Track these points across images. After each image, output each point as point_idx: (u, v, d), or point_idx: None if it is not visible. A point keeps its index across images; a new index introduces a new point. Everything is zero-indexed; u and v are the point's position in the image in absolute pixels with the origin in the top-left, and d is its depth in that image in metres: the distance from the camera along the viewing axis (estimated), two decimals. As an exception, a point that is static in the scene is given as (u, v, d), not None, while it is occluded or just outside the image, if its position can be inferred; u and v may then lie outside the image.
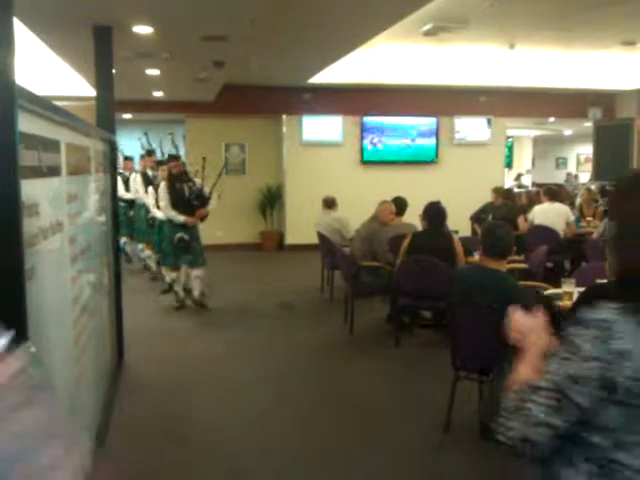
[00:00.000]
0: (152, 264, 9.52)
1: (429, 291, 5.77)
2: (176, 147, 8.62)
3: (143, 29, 6.31)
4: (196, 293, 7.59)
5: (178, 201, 7.34)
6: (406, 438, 4.17)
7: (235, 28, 6.37)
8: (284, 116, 12.54)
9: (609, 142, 12.83)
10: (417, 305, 6.35)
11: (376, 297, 7.35)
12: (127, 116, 13.36)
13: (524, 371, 1.44)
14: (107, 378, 4.67)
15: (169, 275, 7.77)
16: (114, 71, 5.91)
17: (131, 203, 9.79)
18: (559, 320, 1.52)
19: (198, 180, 7.61)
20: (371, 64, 10.62)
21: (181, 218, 7.32)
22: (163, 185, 7.53)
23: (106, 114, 5.72)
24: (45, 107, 2.54)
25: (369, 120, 12.58)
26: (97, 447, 3.71)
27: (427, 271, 5.85)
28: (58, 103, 3.01)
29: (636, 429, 1.28)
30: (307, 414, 4.61)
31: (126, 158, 10.62)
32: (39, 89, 9.52)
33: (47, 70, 9.53)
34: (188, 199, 7.35)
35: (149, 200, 8.55)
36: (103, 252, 4.72)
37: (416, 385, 5.15)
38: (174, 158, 7.63)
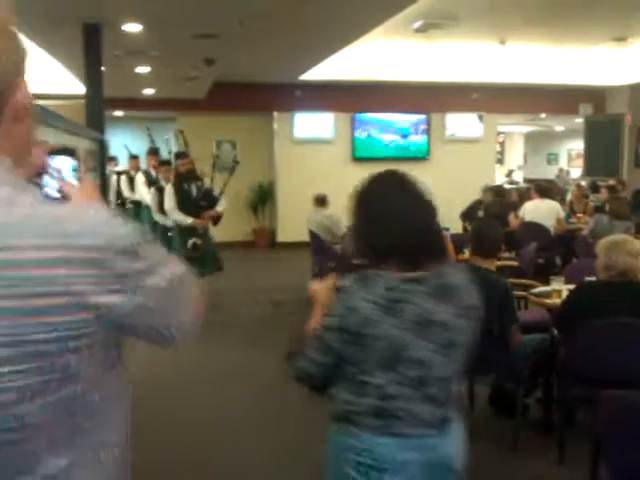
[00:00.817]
0: None
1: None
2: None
3: (132, 27, 6.29)
4: None
5: (185, 203, 6.75)
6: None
7: (225, 26, 6.35)
8: (275, 113, 12.52)
9: (600, 138, 12.86)
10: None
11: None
12: (118, 114, 13.32)
13: (312, 323, 1.97)
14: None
15: None
16: (103, 69, 5.89)
17: (138, 204, 9.19)
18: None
19: (207, 179, 7.11)
20: (362, 61, 10.61)
21: (188, 220, 6.70)
22: (169, 186, 6.95)
23: (95, 112, 5.71)
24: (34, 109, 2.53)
25: (360, 117, 12.58)
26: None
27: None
28: (47, 101, 3.00)
29: (370, 359, 1.76)
30: (298, 410, 4.61)
31: (132, 156, 10.24)
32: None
33: (36, 68, 9.47)
34: (196, 200, 6.79)
35: (150, 202, 7.85)
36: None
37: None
38: (182, 155, 7.04)
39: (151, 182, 8.33)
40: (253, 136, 12.82)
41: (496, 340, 3.85)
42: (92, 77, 5.78)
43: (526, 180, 19.34)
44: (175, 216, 6.78)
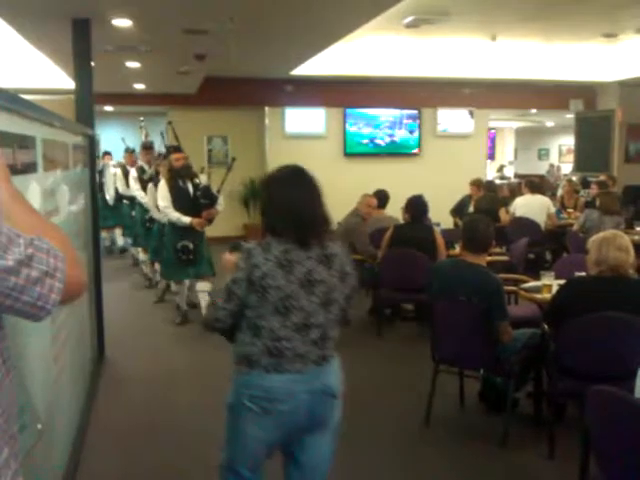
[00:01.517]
0: (147, 270, 8.63)
1: (411, 284, 5.80)
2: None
3: (122, 22, 6.26)
4: (204, 311, 6.03)
5: (181, 201, 6.31)
6: (386, 431, 4.19)
7: (216, 21, 6.32)
8: (267, 108, 12.49)
9: (590, 133, 12.90)
10: (399, 298, 6.38)
11: (359, 290, 7.37)
12: (108, 109, 13.26)
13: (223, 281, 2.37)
14: (87, 376, 4.65)
15: (174, 286, 7.07)
16: (93, 64, 5.85)
17: (133, 200, 8.75)
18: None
19: (204, 176, 6.74)
20: (353, 56, 10.60)
21: (186, 219, 6.25)
22: (163, 183, 6.46)
23: (85, 107, 5.67)
24: (19, 104, 2.51)
25: (351, 112, 12.56)
26: (77, 448, 3.70)
27: (408, 264, 5.87)
28: (36, 96, 2.98)
29: (266, 305, 2.25)
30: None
31: (127, 151, 9.77)
32: (16, 82, 9.34)
33: (25, 62, 9.42)
34: (194, 198, 6.33)
35: (148, 199, 7.37)
36: (82, 248, 4.69)
37: (397, 378, 5.17)
38: (175, 150, 6.57)
39: (143, 179, 7.94)
40: (244, 131, 12.79)
41: (486, 335, 3.87)
42: (82, 72, 5.73)
43: (517, 175, 19.41)
44: (170, 215, 6.32)
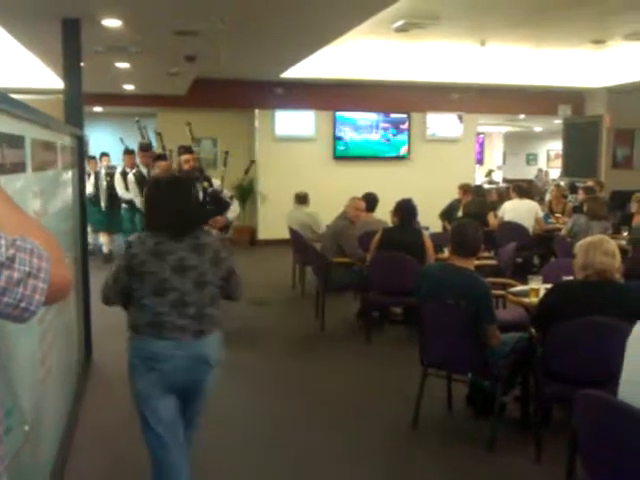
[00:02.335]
0: None
1: (399, 287, 5.80)
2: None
3: (113, 22, 6.24)
4: None
5: None
6: (374, 433, 4.20)
7: (206, 22, 6.32)
8: (257, 110, 12.48)
9: (578, 139, 12.99)
10: (387, 301, 6.39)
11: (347, 293, 7.39)
12: (98, 109, 13.21)
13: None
14: (74, 377, 4.62)
15: None
16: (83, 64, 5.83)
17: (132, 204, 8.32)
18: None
19: (217, 180, 6.10)
20: (343, 60, 10.62)
21: None
22: None
23: (74, 108, 5.65)
24: (8, 103, 2.50)
25: (341, 116, 12.58)
26: (64, 448, 3.68)
27: (397, 267, 5.88)
28: (25, 96, 2.97)
29: (145, 287, 2.75)
30: (276, 409, 4.61)
31: (127, 152, 9.22)
32: (5, 81, 9.26)
33: (14, 62, 9.37)
34: (202, 204, 5.63)
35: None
36: (70, 248, 4.67)
37: (385, 381, 5.17)
38: (185, 150, 6.13)
39: (140, 182, 7.57)
40: (234, 133, 12.78)
41: (474, 339, 3.88)
42: (71, 72, 5.71)
43: (505, 180, 19.49)
44: None
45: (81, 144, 5.53)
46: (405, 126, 12.86)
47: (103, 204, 10.08)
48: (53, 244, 1.28)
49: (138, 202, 7.57)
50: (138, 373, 2.82)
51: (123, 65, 8.75)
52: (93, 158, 11.68)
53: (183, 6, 5.71)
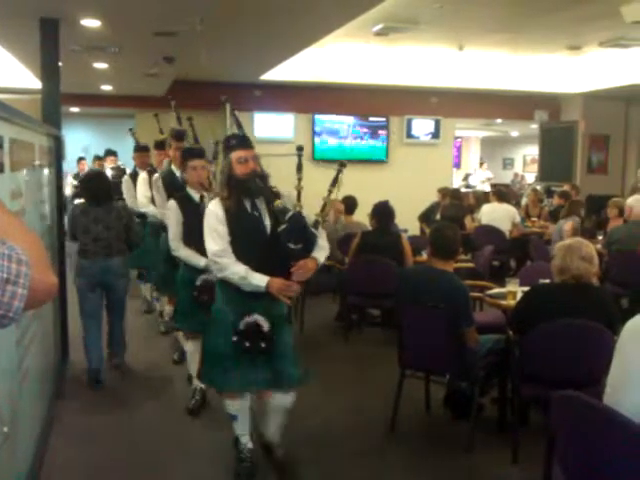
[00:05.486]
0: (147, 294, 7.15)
1: (377, 290, 5.84)
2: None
3: (91, 22, 6.19)
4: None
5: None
6: (352, 435, 4.21)
7: (185, 24, 6.30)
8: (235, 112, 12.43)
9: (554, 144, 13.13)
10: (365, 303, 6.41)
11: (326, 295, 7.40)
12: (75, 110, 13.09)
13: None
14: (51, 378, 4.58)
15: (185, 345, 4.75)
16: (61, 64, 5.78)
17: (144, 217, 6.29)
18: None
19: (288, 194, 3.94)
20: (323, 63, 10.66)
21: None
22: (173, 203, 4.45)
23: (52, 108, 5.60)
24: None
25: (320, 118, 12.59)
26: (40, 450, 3.65)
27: (376, 270, 5.91)
28: (2, 95, 2.93)
29: (79, 230, 5.00)
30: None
31: (139, 149, 7.19)
32: (-19, 81, 9.01)
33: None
34: (271, 235, 3.63)
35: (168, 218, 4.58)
36: (47, 249, 4.62)
37: (363, 383, 5.19)
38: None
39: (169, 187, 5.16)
40: (213, 135, 12.71)
41: (452, 341, 3.91)
42: (49, 72, 5.66)
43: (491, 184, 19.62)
44: (182, 253, 4.38)
45: (59, 144, 5.48)
46: (384, 130, 12.90)
47: None
48: (38, 247, 1.25)
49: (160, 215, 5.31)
50: (78, 277, 5.03)
51: (101, 65, 8.69)
52: (83, 159, 11.50)
53: (162, 7, 5.68)
